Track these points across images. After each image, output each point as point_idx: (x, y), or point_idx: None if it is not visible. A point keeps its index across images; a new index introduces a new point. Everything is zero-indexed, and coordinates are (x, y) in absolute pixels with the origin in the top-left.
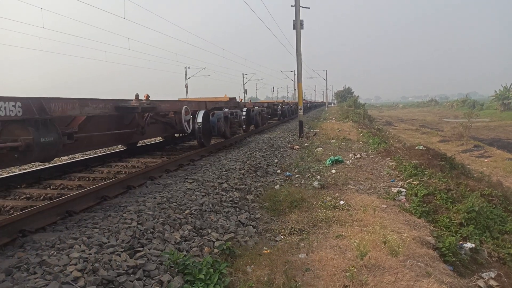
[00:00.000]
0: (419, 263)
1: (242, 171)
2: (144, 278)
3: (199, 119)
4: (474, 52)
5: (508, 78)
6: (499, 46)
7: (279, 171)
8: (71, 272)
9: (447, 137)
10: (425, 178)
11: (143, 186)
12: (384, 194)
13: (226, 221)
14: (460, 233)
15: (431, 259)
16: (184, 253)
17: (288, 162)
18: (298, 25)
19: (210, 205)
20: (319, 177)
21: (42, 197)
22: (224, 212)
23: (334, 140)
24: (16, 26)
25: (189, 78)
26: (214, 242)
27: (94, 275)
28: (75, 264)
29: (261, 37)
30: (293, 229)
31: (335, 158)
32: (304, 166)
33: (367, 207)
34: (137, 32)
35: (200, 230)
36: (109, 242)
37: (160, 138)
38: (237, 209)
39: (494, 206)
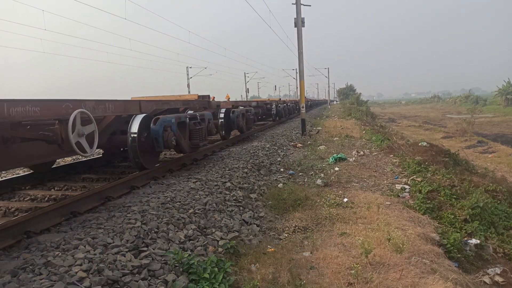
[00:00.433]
0: (424, 260)
1: (245, 170)
2: (149, 278)
3: (134, 128)
4: (476, 48)
5: (511, 73)
6: (502, 42)
7: (282, 170)
8: (76, 272)
9: (451, 133)
10: (429, 175)
11: (146, 186)
12: (388, 191)
13: (230, 220)
14: (465, 229)
15: (436, 256)
16: (189, 252)
17: (291, 161)
18: (299, 23)
19: (214, 204)
20: (322, 175)
21: (46, 199)
22: (228, 211)
23: (337, 138)
24: (18, 28)
25: (191, 77)
26: (218, 241)
27: (99, 275)
28: (80, 265)
29: (263, 36)
30: (297, 227)
31: (338, 155)
32: (307, 164)
33: (371, 204)
34: (138, 33)
35: (204, 229)
36: (113, 242)
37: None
38: (241, 208)
39: (498, 201)
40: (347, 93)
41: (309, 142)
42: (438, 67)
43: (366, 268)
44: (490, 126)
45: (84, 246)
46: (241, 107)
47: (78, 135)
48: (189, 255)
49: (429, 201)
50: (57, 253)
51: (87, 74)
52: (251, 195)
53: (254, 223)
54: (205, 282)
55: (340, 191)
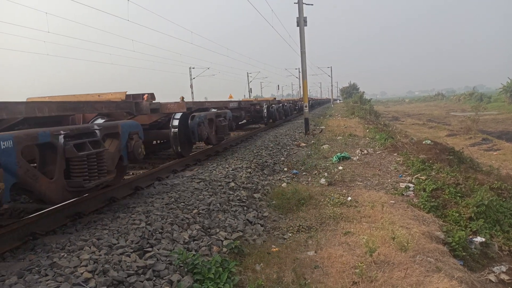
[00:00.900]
0: (428, 258)
1: (249, 170)
2: (154, 278)
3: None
4: (480, 45)
5: None
6: (506, 38)
7: (286, 169)
8: (81, 273)
9: (455, 131)
10: (433, 173)
11: (150, 187)
12: (392, 189)
13: (234, 220)
14: (470, 227)
15: (441, 254)
16: (193, 252)
17: (294, 160)
18: (301, 22)
19: (218, 204)
20: (326, 174)
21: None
22: (232, 211)
23: (341, 137)
24: (22, 31)
25: (193, 78)
26: (222, 241)
27: (105, 276)
28: (86, 266)
29: (265, 36)
30: (301, 226)
31: (342, 154)
32: (311, 164)
33: (375, 203)
34: (141, 34)
35: (209, 230)
36: (118, 243)
37: None
38: (245, 208)
39: (504, 199)
40: (350, 91)
41: (312, 141)
42: (442, 64)
43: (371, 267)
44: (494, 124)
45: (89, 247)
46: (213, 110)
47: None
48: (194, 255)
49: (433, 200)
50: (63, 254)
51: (89, 76)
52: (255, 195)
53: (258, 223)
54: (209, 282)
55: (344, 190)
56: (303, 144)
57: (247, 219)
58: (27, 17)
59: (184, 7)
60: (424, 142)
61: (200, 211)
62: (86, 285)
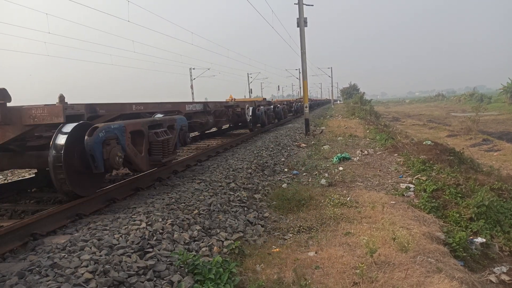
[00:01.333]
0: (429, 259)
1: (250, 171)
2: (155, 279)
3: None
4: (481, 45)
5: None
6: (507, 39)
7: (286, 170)
8: (82, 274)
9: (455, 131)
10: (434, 173)
11: (151, 188)
12: (393, 190)
13: (234, 220)
14: (471, 228)
15: (442, 255)
16: (194, 253)
17: (295, 161)
18: (302, 23)
19: (218, 205)
20: (326, 174)
21: (52, 201)
22: (232, 211)
23: (341, 137)
24: (22, 32)
25: (194, 79)
26: (223, 241)
27: (105, 277)
28: (86, 266)
29: (265, 36)
30: (301, 227)
31: (342, 155)
32: (311, 164)
33: (375, 203)
34: (141, 35)
35: (209, 230)
36: (119, 243)
37: None
38: (245, 209)
39: (504, 200)
40: (350, 92)
41: (313, 142)
42: (442, 65)
43: (371, 268)
44: (495, 124)
45: (90, 248)
46: (158, 115)
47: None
48: (194, 255)
49: (434, 200)
50: (63, 254)
51: (90, 77)
52: (256, 196)
53: (259, 224)
54: (210, 283)
55: (345, 191)
56: (304, 145)
57: (248, 220)
58: (27, 18)
59: (184, 8)
60: (424, 143)
61: (200, 212)
62: (87, 285)
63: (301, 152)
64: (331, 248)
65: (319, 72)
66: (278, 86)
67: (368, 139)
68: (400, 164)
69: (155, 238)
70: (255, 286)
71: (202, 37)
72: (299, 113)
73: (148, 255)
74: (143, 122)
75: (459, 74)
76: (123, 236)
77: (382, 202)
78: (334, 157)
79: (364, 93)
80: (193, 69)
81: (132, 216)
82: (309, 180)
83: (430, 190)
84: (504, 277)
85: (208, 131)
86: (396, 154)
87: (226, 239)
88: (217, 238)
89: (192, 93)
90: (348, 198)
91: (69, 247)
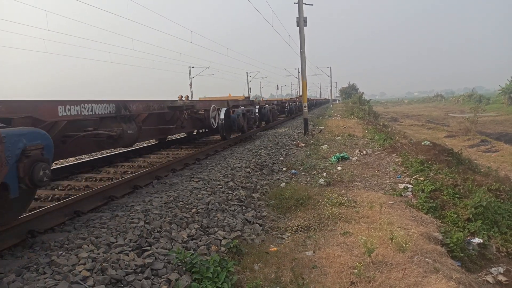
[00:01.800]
0: (426, 259)
1: (248, 169)
2: (152, 277)
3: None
4: (479, 46)
5: None
6: (505, 40)
7: (284, 169)
8: (80, 271)
9: (454, 132)
10: (432, 174)
11: (149, 186)
12: (391, 190)
13: (232, 219)
14: (468, 228)
15: (439, 255)
16: (192, 251)
17: (293, 160)
18: (301, 22)
19: (217, 203)
20: (325, 174)
21: (50, 198)
22: (230, 210)
23: (340, 137)
24: (21, 28)
25: (193, 77)
26: (221, 240)
27: (103, 275)
28: (84, 264)
29: (265, 35)
30: (299, 226)
31: (341, 155)
32: (309, 164)
33: (373, 203)
34: (141, 33)
35: (207, 229)
36: (117, 241)
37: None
38: (244, 207)
39: (502, 201)
40: (349, 92)
41: (311, 142)
42: (441, 65)
43: (369, 267)
44: (493, 125)
45: (88, 246)
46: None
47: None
48: (192, 254)
49: (432, 200)
50: (61, 252)
51: (90, 74)
52: (254, 195)
53: (257, 223)
54: (208, 281)
55: (343, 191)
56: (302, 144)
57: (246, 219)
58: (26, 15)
59: (184, 6)
60: (423, 143)
61: (198, 210)
62: (84, 283)
63: (299, 152)
64: (329, 247)
65: (318, 72)
66: (277, 85)
67: (366, 139)
68: (398, 164)
69: (153, 236)
70: (253, 285)
71: (201, 36)
72: (293, 114)
73: (146, 253)
74: None
75: (458, 74)
76: (121, 234)
77: (380, 202)
78: (333, 157)
79: (363, 93)
80: (193, 67)
81: (130, 214)
82: (308, 179)
83: (428, 190)
84: (501, 278)
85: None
86: (394, 154)
87: (224, 237)
88: (215, 236)
89: (191, 92)
90: (346, 198)
91: (67, 244)
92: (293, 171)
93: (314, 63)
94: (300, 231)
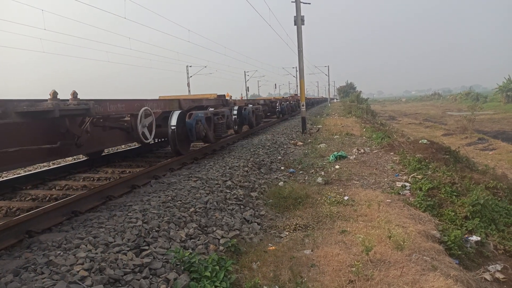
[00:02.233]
0: (424, 257)
1: (246, 169)
2: (151, 277)
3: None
4: (476, 45)
5: (511, 70)
6: (502, 38)
7: (282, 168)
8: (78, 271)
9: (451, 130)
10: (430, 172)
11: (147, 185)
12: (389, 188)
13: (231, 218)
14: (466, 226)
15: (437, 253)
16: (190, 251)
17: (291, 159)
18: (299, 21)
19: (215, 203)
20: (323, 173)
21: (47, 198)
22: (228, 209)
23: (337, 136)
24: (18, 28)
25: (191, 76)
26: (219, 239)
27: (101, 274)
28: (82, 264)
29: (262, 34)
30: (297, 225)
31: (339, 153)
32: (307, 162)
33: (371, 202)
34: (138, 32)
35: (205, 228)
36: (115, 241)
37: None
38: (242, 207)
39: (499, 198)
40: (347, 91)
41: (309, 140)
42: (438, 64)
43: (367, 266)
44: (490, 123)
45: (86, 245)
46: None
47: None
48: (190, 253)
49: (429, 199)
50: (59, 252)
51: (87, 74)
52: (252, 194)
53: (255, 222)
54: (206, 281)
55: (341, 189)
56: (300, 143)
57: (244, 218)
58: (23, 14)
59: (181, 5)
60: (420, 142)
61: (197, 210)
62: (83, 283)
63: (297, 151)
64: (327, 246)
65: (316, 71)
66: (275, 84)
67: (364, 137)
68: (396, 163)
69: (151, 235)
70: (251, 284)
71: (199, 35)
72: (286, 115)
73: (144, 252)
74: None
75: (455, 73)
76: (119, 233)
77: (378, 200)
78: (331, 156)
79: (360, 91)
80: (190, 66)
81: (128, 214)
82: (306, 178)
83: (426, 188)
84: (499, 275)
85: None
86: (392, 153)
87: (223, 237)
88: (213, 236)
89: (189, 91)
90: (345, 197)
91: (65, 244)
92: (291, 170)
93: (312, 62)
94: (299, 229)
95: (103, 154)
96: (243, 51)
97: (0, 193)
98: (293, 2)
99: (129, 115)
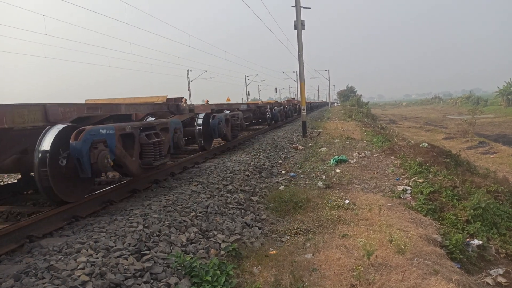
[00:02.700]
0: (426, 261)
1: (247, 173)
2: (152, 281)
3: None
4: (477, 48)
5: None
6: (502, 41)
7: (283, 172)
8: (79, 276)
9: (452, 134)
10: (431, 176)
11: (148, 190)
12: (390, 192)
13: (231, 222)
14: (467, 230)
15: (438, 257)
16: (191, 255)
17: (292, 163)
18: (299, 25)
19: (216, 207)
20: (323, 177)
21: (48, 203)
22: (229, 213)
23: (338, 140)
24: (19, 33)
25: (191, 81)
26: (220, 244)
27: (102, 279)
28: (83, 268)
29: (263, 39)
30: (299, 229)
31: (340, 157)
32: (308, 166)
33: (372, 206)
34: (139, 37)
35: (206, 232)
36: (116, 246)
37: None
38: (243, 211)
39: (500, 202)
40: (347, 95)
41: (310, 144)
42: (439, 68)
43: (368, 270)
44: (491, 127)
45: (87, 250)
46: None
47: None
48: (191, 258)
49: (430, 202)
50: (60, 257)
51: (88, 78)
52: (253, 198)
53: (256, 226)
54: (207, 285)
55: (342, 193)
56: (301, 147)
57: (245, 222)
58: (25, 19)
59: (182, 10)
60: (421, 145)
61: (197, 214)
62: None
63: (298, 154)
64: (328, 250)
65: (317, 75)
66: (276, 88)
67: (365, 141)
68: (397, 167)
69: (152, 240)
70: None
71: (199, 39)
72: (280, 122)
73: (145, 257)
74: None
75: (455, 77)
76: (120, 238)
77: (379, 204)
78: (331, 159)
79: (361, 95)
80: (191, 71)
81: (129, 218)
82: (306, 182)
83: (427, 192)
84: (501, 279)
85: None
86: (393, 157)
87: (223, 241)
88: (214, 240)
89: (190, 95)
90: (346, 201)
91: (66, 249)
92: (292, 174)
93: (312, 66)
94: (300, 234)
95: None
96: (244, 55)
97: (1, 198)
98: (293, 6)
99: None
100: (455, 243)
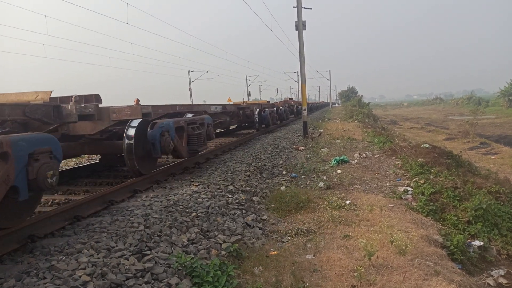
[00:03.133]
0: (427, 262)
1: (248, 173)
2: (153, 281)
3: None
4: (478, 48)
5: None
6: (504, 42)
7: (284, 172)
8: (80, 276)
9: (453, 134)
10: (432, 177)
11: (149, 190)
12: (391, 193)
13: (232, 223)
14: (468, 231)
15: (439, 258)
16: (192, 255)
17: (293, 163)
18: (300, 26)
19: (217, 207)
20: (324, 177)
21: (50, 203)
22: (230, 214)
23: (339, 140)
24: (21, 34)
25: (192, 81)
26: (221, 244)
27: (103, 279)
28: (84, 269)
29: (264, 39)
30: (299, 230)
31: (341, 158)
32: (309, 167)
33: (373, 206)
34: (140, 37)
35: (207, 233)
36: (117, 246)
37: None
38: (244, 211)
39: (502, 203)
40: (348, 95)
41: (311, 145)
42: (440, 68)
43: (369, 271)
44: (492, 127)
45: (88, 250)
46: None
47: None
48: (192, 258)
49: (432, 203)
50: (61, 257)
51: (89, 79)
52: (254, 198)
53: (257, 226)
54: (208, 285)
55: (343, 194)
56: (302, 148)
57: (246, 222)
58: (26, 20)
59: (183, 11)
60: (422, 146)
61: (198, 214)
62: None
63: (299, 155)
64: (329, 251)
65: (318, 75)
66: (277, 89)
67: (366, 142)
68: (398, 167)
69: (153, 240)
70: None
71: (201, 40)
72: (272, 126)
73: (146, 257)
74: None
75: (456, 77)
76: (121, 238)
77: (380, 205)
78: (332, 160)
79: (362, 96)
80: (192, 71)
81: (130, 219)
82: (308, 182)
83: (428, 193)
84: (502, 280)
85: None
86: (394, 157)
87: (224, 241)
88: (215, 240)
89: (191, 96)
90: (347, 201)
91: (67, 249)
92: (293, 174)
93: (313, 66)
94: (301, 234)
95: None
96: (245, 56)
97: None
98: (295, 7)
99: None
100: (456, 244)
